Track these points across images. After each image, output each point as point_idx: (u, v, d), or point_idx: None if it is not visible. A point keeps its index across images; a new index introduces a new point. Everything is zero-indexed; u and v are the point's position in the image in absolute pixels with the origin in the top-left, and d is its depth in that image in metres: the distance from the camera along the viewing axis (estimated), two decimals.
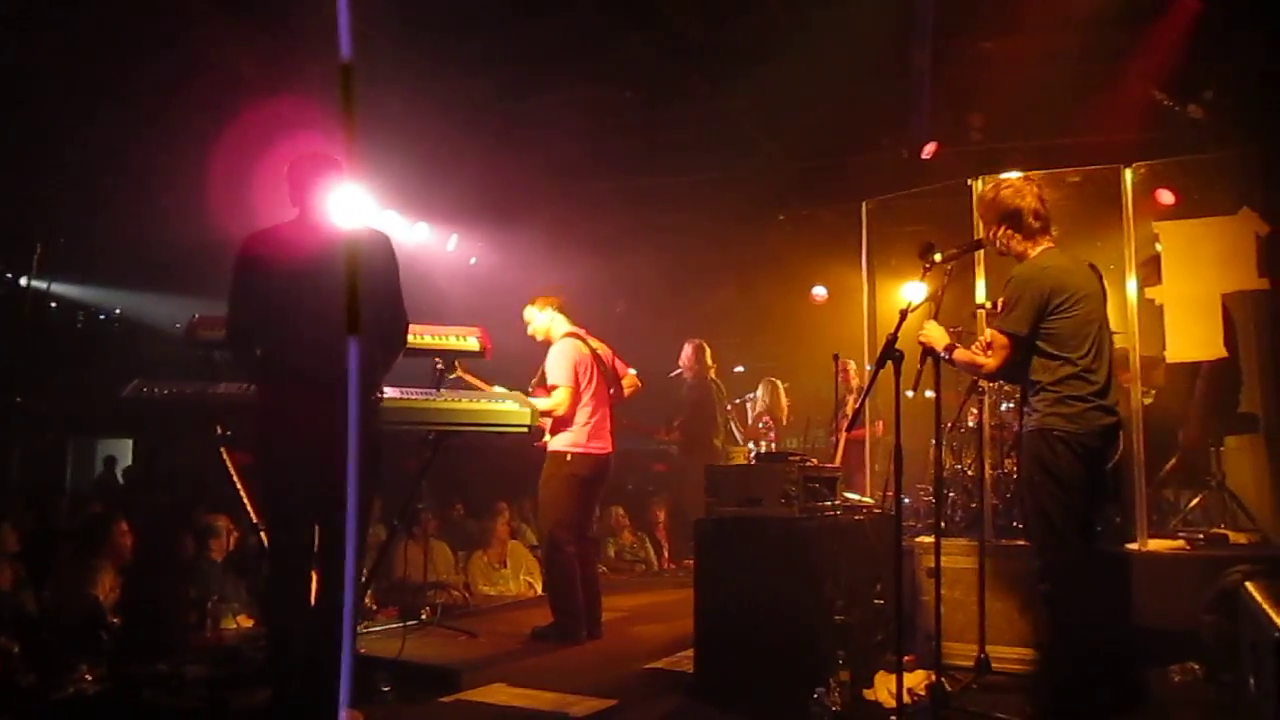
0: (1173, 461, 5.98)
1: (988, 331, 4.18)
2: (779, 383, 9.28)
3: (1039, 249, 3.93)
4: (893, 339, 3.83)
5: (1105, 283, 4.50)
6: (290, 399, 3.91)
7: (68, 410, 12.52)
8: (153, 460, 13.20)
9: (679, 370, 9.00)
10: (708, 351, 8.77)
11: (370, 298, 3.99)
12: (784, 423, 9.10)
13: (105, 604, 5.24)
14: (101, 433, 16.35)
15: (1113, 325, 4.12)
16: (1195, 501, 5.98)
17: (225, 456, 4.87)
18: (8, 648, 4.56)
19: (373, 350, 4.07)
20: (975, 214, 5.67)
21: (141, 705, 4.14)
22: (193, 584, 5.76)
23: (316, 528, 3.92)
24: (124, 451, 15.98)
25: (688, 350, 8.74)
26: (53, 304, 12.74)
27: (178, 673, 4.52)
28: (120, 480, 14.05)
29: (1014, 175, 4.36)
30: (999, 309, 4.05)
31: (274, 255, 4.00)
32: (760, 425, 8.88)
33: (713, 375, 8.81)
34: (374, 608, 6.19)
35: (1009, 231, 3.93)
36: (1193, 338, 5.54)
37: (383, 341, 4.18)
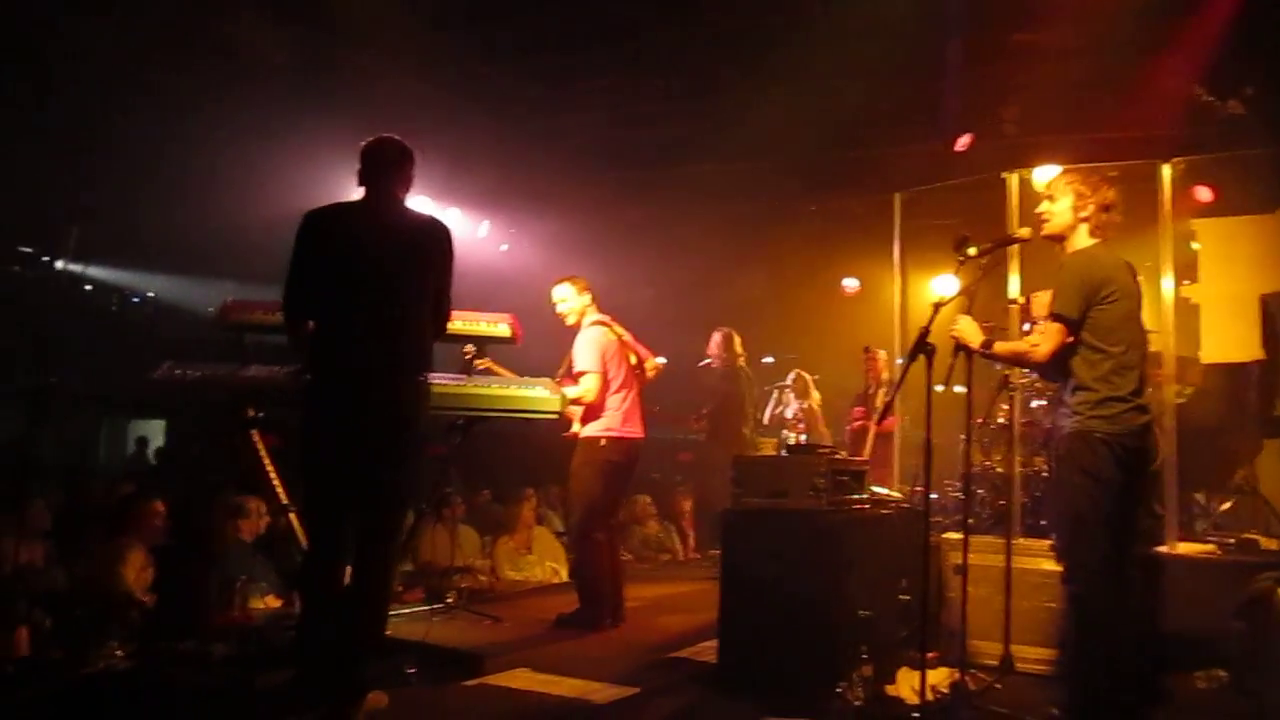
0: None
1: (1034, 327, 4.12)
2: (807, 375, 9.22)
3: (1088, 243, 3.88)
4: (925, 332, 3.79)
5: (1140, 281, 4.46)
6: (338, 381, 3.92)
7: (100, 392, 12.67)
8: (185, 441, 13.35)
9: (709, 360, 8.97)
10: (737, 340, 8.70)
11: (426, 286, 4.02)
12: (819, 415, 9.00)
13: (136, 583, 5.30)
14: (134, 414, 16.56)
15: (1148, 324, 4.08)
16: (1226, 506, 5.90)
17: (256, 439, 4.91)
18: (40, 623, 4.63)
19: (425, 335, 4.08)
20: (1010, 208, 5.63)
21: (169, 682, 4.19)
22: (222, 564, 5.81)
23: (358, 512, 3.94)
24: (156, 433, 16.18)
25: (716, 338, 8.67)
26: (87, 286, 12.91)
27: (205, 651, 4.57)
28: (152, 461, 14.23)
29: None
30: (1030, 303, 4.01)
31: (336, 232, 4.02)
32: (799, 424, 8.78)
33: (742, 364, 8.76)
34: (400, 590, 6.23)
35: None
36: (1229, 338, 5.47)
37: (432, 329, 4.19)
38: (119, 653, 4.34)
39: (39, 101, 7.96)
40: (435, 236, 4.11)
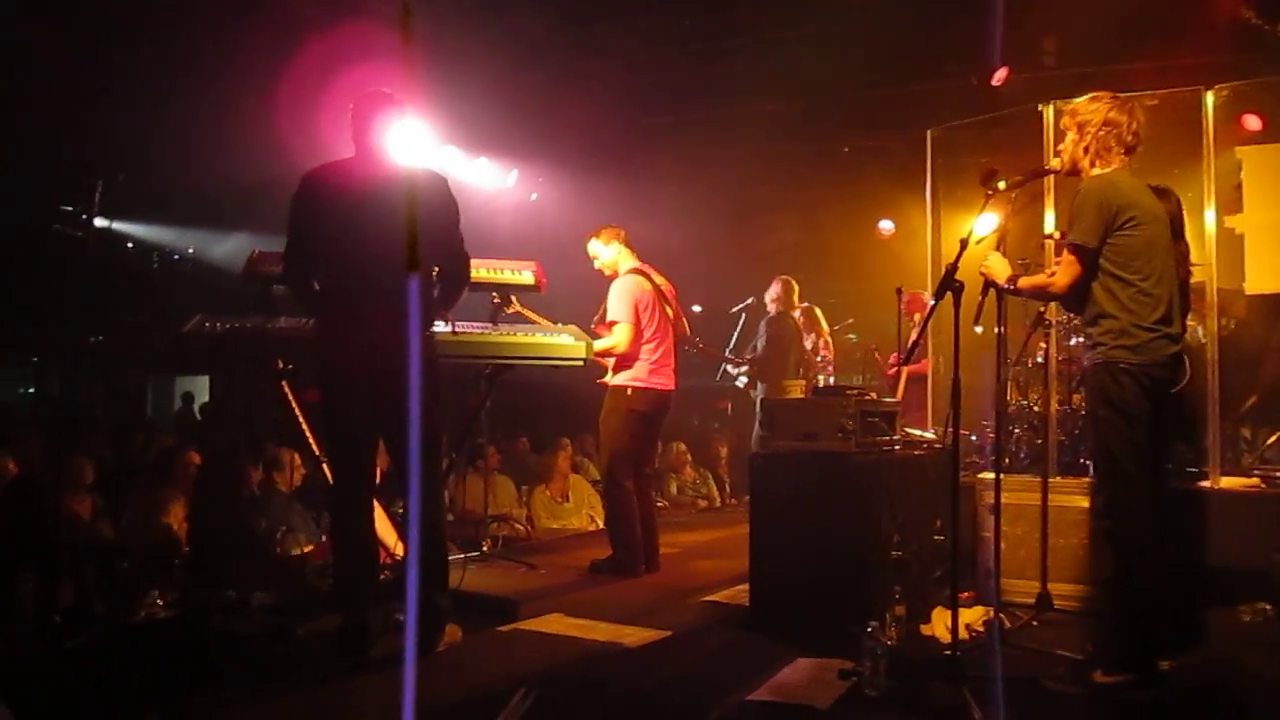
0: (1253, 400, 5.77)
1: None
2: (817, 309, 9.16)
3: (1111, 167, 3.75)
4: (952, 269, 3.71)
5: (1183, 210, 4.33)
6: (346, 333, 4.00)
7: (145, 349, 12.88)
8: (225, 395, 13.57)
9: (740, 306, 8.92)
10: (795, 289, 8.66)
11: (425, 235, 4.02)
12: (829, 349, 9.00)
13: (177, 534, 5.41)
14: (179, 370, 16.85)
15: (1191, 256, 3.96)
16: (1273, 439, 5.78)
17: (286, 390, 4.95)
18: (86, 574, 4.74)
19: (427, 285, 4.10)
20: (1047, 141, 5.48)
21: (211, 630, 4.26)
22: (262, 515, 5.91)
23: (386, 459, 4.02)
24: (201, 388, 16.47)
25: (776, 287, 8.61)
26: (128, 244, 13.06)
27: (246, 600, 4.65)
28: (197, 416, 14.49)
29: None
30: (1064, 235, 3.91)
31: (331, 191, 4.05)
32: (818, 359, 8.77)
33: (795, 313, 8.72)
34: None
35: (1108, 139, 3.74)
36: (1275, 268, 5.31)
37: (442, 278, 4.24)
38: (160, 602, 4.43)
39: (83, 58, 8.01)
40: (429, 186, 4.13)
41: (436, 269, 4.20)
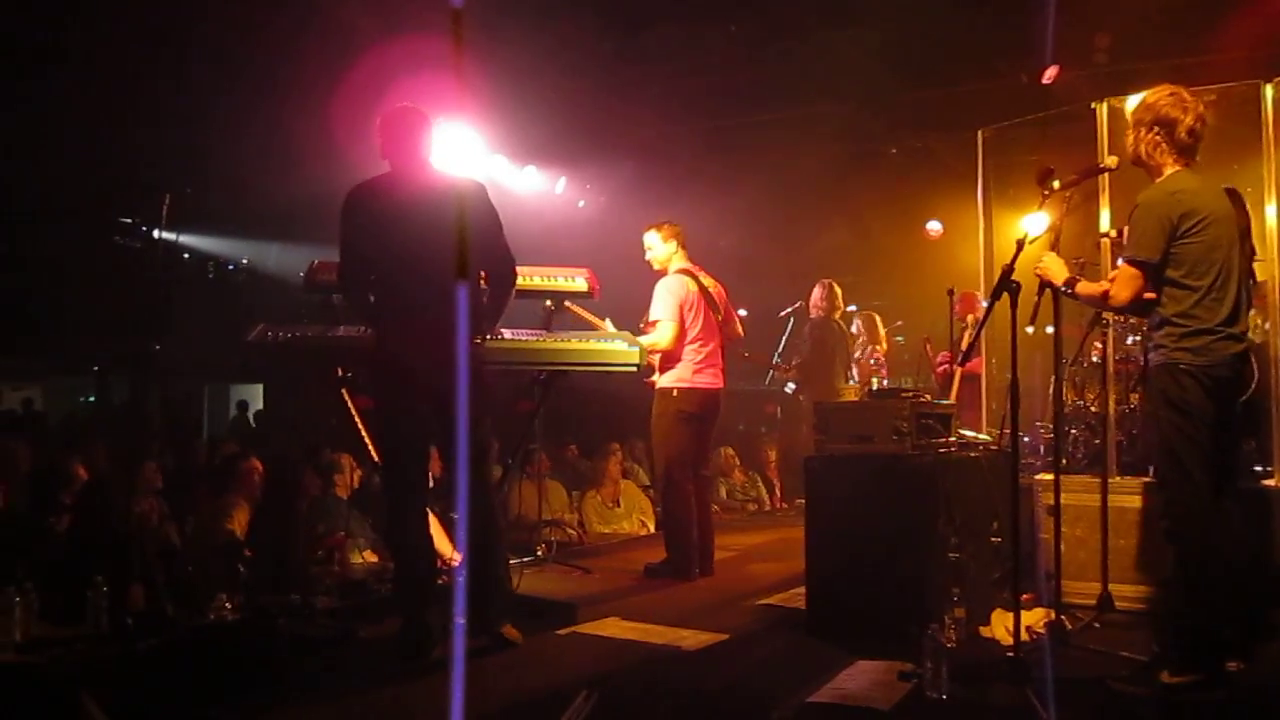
0: None
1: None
2: (876, 315, 9.15)
3: (1173, 169, 3.71)
4: (1009, 269, 3.70)
5: (1246, 205, 4.26)
6: (398, 342, 4.10)
7: (201, 357, 13.11)
8: (280, 403, 13.76)
9: (789, 310, 8.92)
10: (838, 291, 8.66)
11: (475, 244, 4.12)
12: (884, 355, 8.99)
13: (240, 538, 5.52)
14: (234, 379, 17.14)
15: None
16: None
17: (346, 397, 5.04)
18: (154, 578, 4.86)
19: (475, 294, 4.20)
20: (1100, 139, 5.42)
21: (277, 632, 4.35)
22: (320, 520, 6.01)
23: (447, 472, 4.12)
24: (255, 396, 16.74)
25: (818, 290, 8.65)
26: (185, 255, 13.33)
27: (309, 603, 4.74)
28: (252, 423, 14.73)
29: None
30: (1123, 237, 3.87)
31: (372, 206, 4.17)
32: (872, 362, 8.74)
33: (838, 316, 8.71)
34: None
35: (1158, 137, 3.70)
36: None
37: (490, 283, 4.33)
38: (228, 605, 4.52)
39: (139, 72, 8.20)
40: (469, 194, 4.22)
41: (484, 275, 4.29)
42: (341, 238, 4.18)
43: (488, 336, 4.45)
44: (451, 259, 4.04)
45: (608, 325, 5.80)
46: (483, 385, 4.25)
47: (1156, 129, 3.70)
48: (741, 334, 6.20)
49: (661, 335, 5.67)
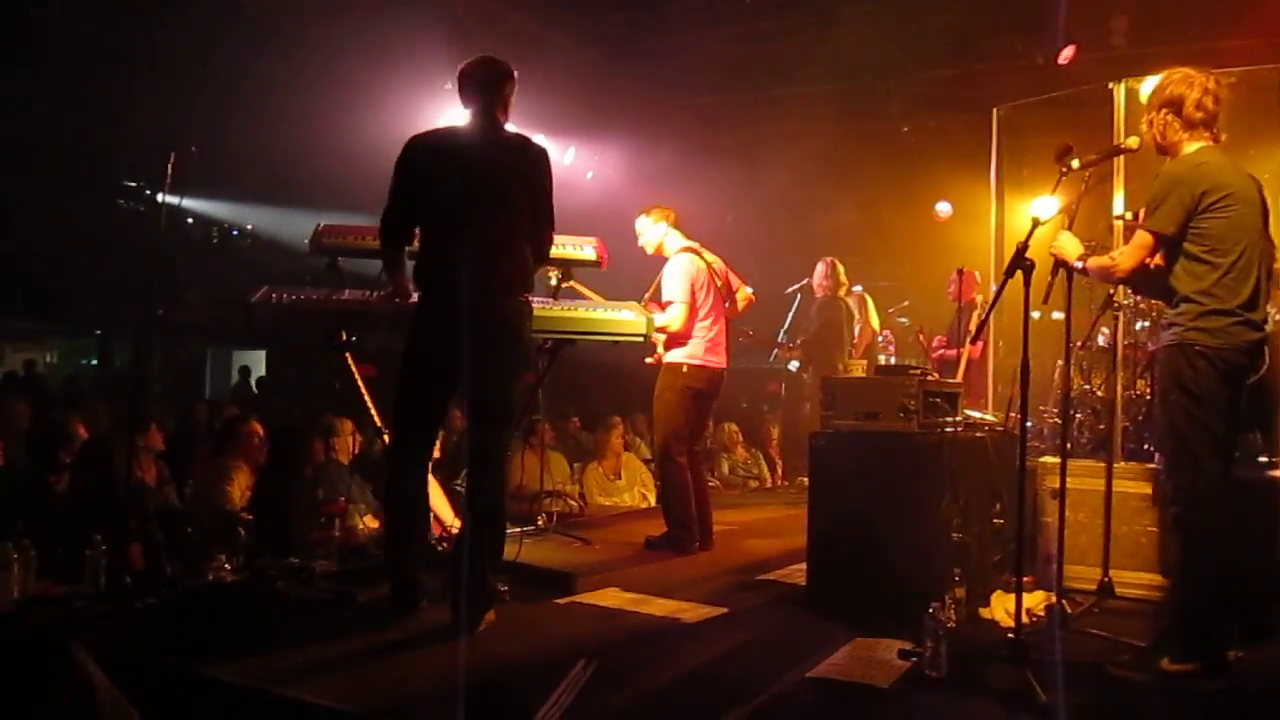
0: None
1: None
2: (867, 296, 9.11)
3: (1194, 145, 3.64)
4: (1023, 248, 3.64)
5: (1265, 194, 4.20)
6: (445, 301, 4.00)
7: (204, 322, 13.11)
8: (282, 367, 13.75)
9: (795, 286, 8.88)
10: (841, 269, 8.60)
11: (527, 206, 4.08)
12: (889, 335, 8.98)
13: (240, 501, 5.51)
14: (237, 344, 17.14)
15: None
16: None
17: (350, 361, 5.01)
18: (154, 538, 4.85)
19: (525, 255, 4.15)
20: (1117, 121, 5.36)
21: (275, 594, 4.35)
22: (321, 485, 5.99)
23: (469, 430, 4.05)
24: (257, 362, 16.75)
25: (821, 268, 8.59)
26: (189, 220, 13.29)
27: (308, 566, 4.73)
28: (254, 388, 14.74)
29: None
30: (1139, 217, 3.81)
31: (438, 157, 4.11)
32: (879, 340, 8.72)
33: (843, 294, 8.65)
34: None
35: (1167, 117, 3.64)
36: None
37: (531, 246, 4.22)
38: (227, 567, 4.52)
39: (143, 36, 8.14)
40: (533, 158, 4.17)
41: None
42: (393, 184, 4.11)
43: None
44: (504, 216, 4.02)
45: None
46: (524, 346, 4.20)
47: (1165, 109, 3.66)
48: (740, 312, 6.14)
49: (674, 317, 5.63)
